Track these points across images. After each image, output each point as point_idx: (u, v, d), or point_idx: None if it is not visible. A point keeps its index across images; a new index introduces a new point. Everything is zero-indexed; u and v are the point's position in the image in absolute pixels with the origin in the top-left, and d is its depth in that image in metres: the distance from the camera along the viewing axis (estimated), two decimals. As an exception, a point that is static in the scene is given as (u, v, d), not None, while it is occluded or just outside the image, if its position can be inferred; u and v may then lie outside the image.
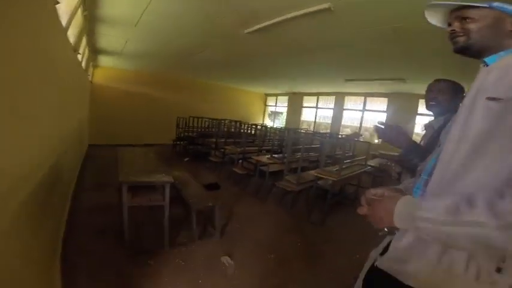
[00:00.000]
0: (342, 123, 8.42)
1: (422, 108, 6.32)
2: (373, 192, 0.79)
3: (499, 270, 0.56)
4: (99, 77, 6.87)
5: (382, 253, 0.78)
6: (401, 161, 1.29)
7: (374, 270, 0.77)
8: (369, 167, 4.47)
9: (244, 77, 7.33)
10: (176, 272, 2.03)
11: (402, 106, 6.77)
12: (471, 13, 0.67)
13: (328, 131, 8.25)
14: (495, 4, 0.65)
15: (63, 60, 2.35)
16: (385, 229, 0.78)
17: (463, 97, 1.33)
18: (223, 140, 5.45)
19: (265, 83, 8.15)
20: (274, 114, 11.19)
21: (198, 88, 8.84)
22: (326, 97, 8.90)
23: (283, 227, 3.06)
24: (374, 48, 3.32)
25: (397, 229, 0.71)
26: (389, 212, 0.63)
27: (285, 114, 10.65)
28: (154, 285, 1.86)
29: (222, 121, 6.52)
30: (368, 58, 3.89)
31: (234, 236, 2.70)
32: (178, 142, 7.03)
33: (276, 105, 11.20)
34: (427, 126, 1.45)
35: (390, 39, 2.90)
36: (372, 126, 7.90)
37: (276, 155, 4.30)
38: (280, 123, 10.77)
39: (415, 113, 6.62)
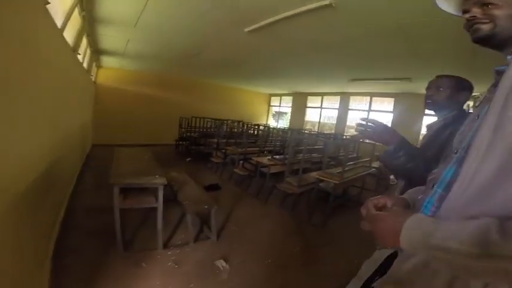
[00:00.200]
0: (347, 123, 8.27)
1: (430, 108, 6.12)
2: (375, 201, 0.70)
3: None
4: (103, 77, 6.92)
5: (379, 269, 0.70)
6: (384, 160, 1.16)
7: None
8: (374, 169, 4.35)
9: (247, 77, 7.28)
10: (169, 274, 1.98)
11: (409, 106, 6.58)
12: None
13: (333, 131, 8.12)
14: None
15: (60, 60, 2.33)
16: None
17: (468, 95, 1.22)
18: (224, 141, 5.40)
19: (269, 83, 8.08)
20: (278, 114, 11.10)
21: (202, 88, 8.84)
22: (331, 97, 8.76)
23: (283, 229, 2.98)
24: (378, 46, 3.21)
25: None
26: (395, 232, 0.54)
27: (289, 114, 10.55)
28: (145, 289, 1.81)
29: (225, 121, 6.48)
30: (373, 57, 3.78)
31: (232, 238, 2.63)
32: (180, 142, 7.03)
33: (280, 106, 11.11)
34: (428, 127, 1.35)
35: (395, 37, 2.80)
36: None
37: (277, 156, 4.22)
38: (284, 123, 10.67)
39: (422, 113, 6.42)
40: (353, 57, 3.96)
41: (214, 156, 5.26)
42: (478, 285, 0.47)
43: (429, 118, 6.11)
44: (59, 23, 2.06)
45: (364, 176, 3.99)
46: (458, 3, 0.66)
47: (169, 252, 2.25)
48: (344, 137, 6.46)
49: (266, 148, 5.31)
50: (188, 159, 6.25)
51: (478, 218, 0.45)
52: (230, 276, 2.03)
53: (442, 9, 0.70)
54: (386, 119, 7.33)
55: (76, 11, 2.49)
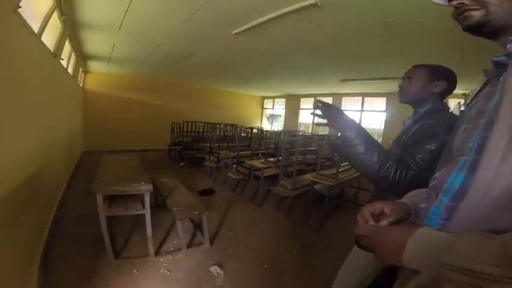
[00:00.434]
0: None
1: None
2: (371, 209, 0.64)
3: None
4: (91, 83, 6.78)
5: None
6: (336, 146, 1.03)
7: None
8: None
9: (239, 80, 7.25)
10: (161, 281, 1.91)
11: (402, 105, 6.61)
12: None
13: (327, 132, 8.12)
14: None
15: (39, 65, 2.25)
16: None
17: (446, 85, 1.09)
18: (217, 145, 5.33)
19: (261, 85, 8.06)
20: (272, 117, 11.09)
21: (193, 93, 8.77)
22: (323, 98, 8.75)
23: (278, 233, 2.92)
24: (366, 45, 3.22)
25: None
26: (397, 249, 0.48)
27: (283, 116, 10.54)
28: (137, 297, 1.74)
29: (217, 125, 6.42)
30: (362, 56, 3.79)
31: (226, 244, 2.56)
32: (173, 147, 6.92)
33: (273, 108, 11.10)
34: (403, 123, 1.24)
35: (383, 36, 2.80)
36: (370, 127, 7.79)
37: (271, 159, 4.17)
38: (278, 126, 10.65)
39: (414, 111, 6.48)
40: (342, 57, 3.96)
41: (208, 161, 5.18)
42: None
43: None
44: (36, 27, 1.99)
45: (360, 176, 3.96)
46: None
47: (161, 259, 2.17)
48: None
49: (259, 151, 5.26)
50: (181, 164, 6.15)
51: (501, 232, 0.39)
52: (225, 283, 1.96)
53: (432, 2, 0.64)
54: (380, 119, 7.39)
55: (56, 16, 2.41)
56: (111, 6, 2.44)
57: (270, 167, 3.85)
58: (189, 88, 8.57)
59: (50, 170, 2.79)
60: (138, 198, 2.11)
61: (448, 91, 1.12)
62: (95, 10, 2.54)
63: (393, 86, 6.04)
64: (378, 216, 0.63)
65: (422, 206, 0.62)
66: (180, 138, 6.69)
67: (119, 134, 7.22)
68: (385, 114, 7.18)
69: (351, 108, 8.05)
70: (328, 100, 8.43)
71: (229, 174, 4.29)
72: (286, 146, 4.30)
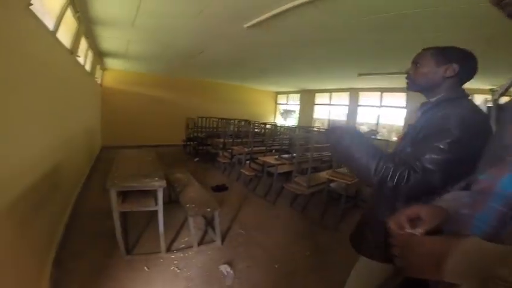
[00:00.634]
0: (357, 120, 8.01)
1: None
2: (409, 214, 0.56)
3: None
4: (109, 79, 6.96)
5: None
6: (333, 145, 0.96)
7: None
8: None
9: (252, 75, 7.14)
10: (170, 279, 1.90)
11: (422, 100, 6.26)
12: None
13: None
14: None
15: (55, 62, 2.29)
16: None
17: (458, 69, 0.92)
18: (231, 140, 5.30)
19: (274, 80, 7.91)
20: (286, 112, 10.92)
21: (208, 88, 8.79)
22: (339, 93, 8.51)
23: (291, 232, 2.84)
24: (384, 37, 3.00)
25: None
26: (437, 261, 0.42)
27: (297, 112, 10.35)
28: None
29: (231, 121, 6.38)
30: (379, 49, 3.55)
31: (237, 242, 2.52)
32: (188, 143, 6.99)
33: (287, 103, 10.92)
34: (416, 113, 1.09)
35: (402, 26, 2.59)
36: (388, 124, 7.46)
37: (285, 155, 4.07)
38: (292, 121, 10.48)
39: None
40: (359, 50, 3.74)
41: (221, 156, 5.17)
42: None
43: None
44: (51, 25, 2.00)
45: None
46: None
47: (172, 256, 2.17)
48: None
49: (273, 147, 5.17)
50: (196, 159, 6.20)
51: None
52: (234, 282, 1.91)
53: None
54: (400, 115, 7.05)
55: (70, 13, 2.43)
56: (123, 2, 2.43)
57: (284, 164, 3.76)
58: (203, 84, 8.60)
59: (69, 165, 2.87)
60: (151, 194, 2.10)
61: (464, 76, 0.94)
62: (108, 6, 2.54)
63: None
64: (413, 222, 0.56)
65: (464, 212, 0.55)
66: (195, 134, 6.74)
67: (136, 129, 7.39)
68: (405, 110, 6.83)
69: (369, 103, 7.73)
70: (345, 95, 8.19)
71: (242, 170, 4.25)
72: (301, 142, 4.18)
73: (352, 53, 3.91)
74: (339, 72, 5.66)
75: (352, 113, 8.06)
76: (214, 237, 2.43)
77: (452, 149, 0.81)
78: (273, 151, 4.92)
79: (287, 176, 4.22)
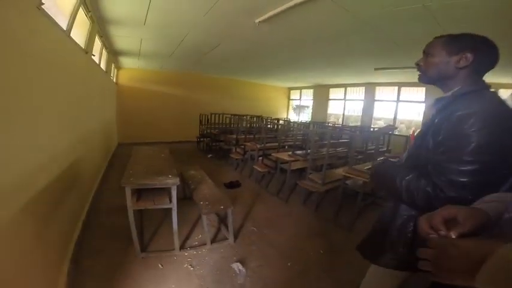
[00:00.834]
0: (374, 115, 7.74)
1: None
2: (445, 214, 0.51)
3: None
4: (124, 78, 7.12)
5: None
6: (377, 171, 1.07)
7: None
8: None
9: (264, 71, 7.03)
10: (183, 277, 1.90)
11: (441, 95, 5.93)
12: None
13: (359, 123, 7.64)
14: None
15: (70, 61, 2.32)
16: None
17: (473, 58, 0.80)
18: (243, 136, 5.27)
19: (286, 76, 7.74)
20: (299, 108, 10.74)
21: (220, 85, 8.79)
22: (355, 88, 8.24)
23: (305, 230, 2.78)
24: (403, 30, 2.83)
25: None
26: (472, 266, 0.39)
27: (310, 107, 10.16)
28: (160, 292, 1.75)
29: (244, 117, 6.35)
30: (397, 43, 3.36)
31: (250, 240, 2.49)
32: (201, 139, 7.05)
33: (300, 99, 10.74)
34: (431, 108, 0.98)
35: (421, 19, 2.42)
36: (407, 119, 7.15)
37: (298, 152, 3.99)
38: (306, 117, 10.30)
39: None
40: (376, 44, 3.55)
41: (234, 153, 5.16)
42: None
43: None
44: (64, 24, 2.03)
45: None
46: None
47: (185, 253, 2.18)
48: (372, 129, 6.02)
49: (286, 143, 5.09)
50: (210, 155, 6.24)
51: None
52: (246, 280, 1.89)
53: None
54: (418, 110, 6.73)
55: (83, 13, 2.46)
56: (133, 1, 2.43)
57: (297, 160, 3.68)
58: (215, 80, 8.61)
59: (87, 162, 2.95)
60: (166, 191, 2.11)
61: (481, 66, 0.83)
62: (118, 5, 2.55)
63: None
64: (448, 224, 0.51)
65: (508, 215, 0.51)
66: (208, 130, 6.78)
67: (150, 126, 7.54)
68: (424, 105, 6.51)
69: (385, 98, 7.43)
70: (361, 90, 7.92)
71: (254, 166, 4.21)
72: (316, 138, 4.08)
73: (369, 47, 3.74)
74: (355, 66, 5.46)
75: (368, 107, 7.79)
76: (227, 234, 2.42)
77: (477, 157, 0.71)
78: (286, 147, 4.85)
79: (300, 173, 4.15)
